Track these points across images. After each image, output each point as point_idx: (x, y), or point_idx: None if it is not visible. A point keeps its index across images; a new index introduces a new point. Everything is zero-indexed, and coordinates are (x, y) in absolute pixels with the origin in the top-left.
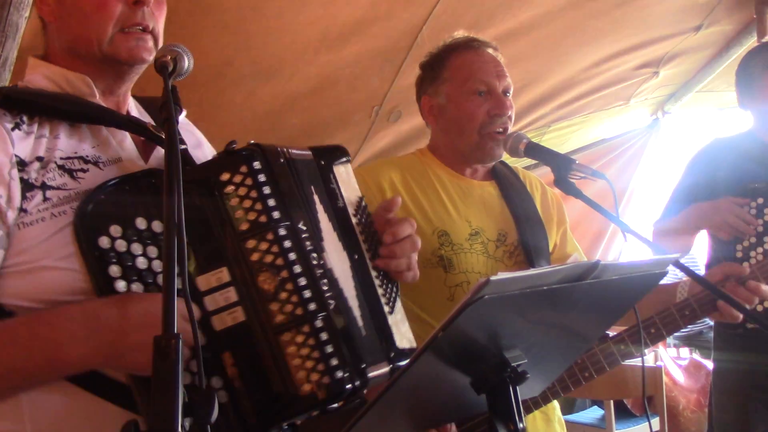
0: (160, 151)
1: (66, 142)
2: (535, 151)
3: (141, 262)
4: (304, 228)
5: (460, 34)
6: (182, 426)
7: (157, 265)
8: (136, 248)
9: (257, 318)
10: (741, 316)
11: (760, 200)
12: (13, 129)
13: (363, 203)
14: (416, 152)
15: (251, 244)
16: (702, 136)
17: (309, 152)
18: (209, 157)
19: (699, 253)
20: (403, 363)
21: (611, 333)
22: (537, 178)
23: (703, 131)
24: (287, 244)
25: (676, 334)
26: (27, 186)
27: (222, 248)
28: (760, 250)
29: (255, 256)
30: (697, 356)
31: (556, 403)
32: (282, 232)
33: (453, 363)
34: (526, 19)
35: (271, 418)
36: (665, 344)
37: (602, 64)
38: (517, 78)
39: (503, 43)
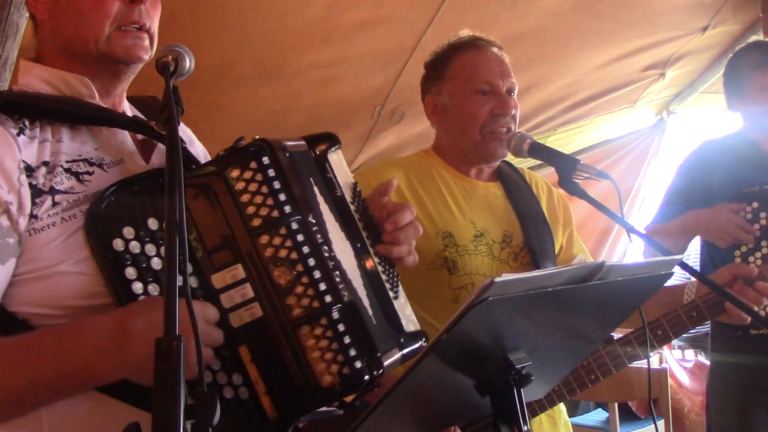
0: (160, 151)
1: (69, 145)
2: (539, 151)
3: (156, 263)
4: (314, 221)
5: (465, 33)
6: (184, 429)
7: None
8: (150, 249)
9: (274, 313)
10: (749, 318)
11: (755, 204)
12: (18, 134)
13: (357, 189)
14: (420, 153)
15: (264, 239)
16: (707, 137)
17: (303, 142)
18: (201, 155)
19: (691, 255)
20: (412, 347)
21: (616, 335)
22: (543, 179)
23: (708, 132)
24: (300, 237)
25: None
26: (36, 191)
27: (235, 245)
28: (758, 254)
29: (269, 252)
30: (702, 358)
31: (562, 407)
32: (294, 226)
33: (457, 365)
34: (531, 22)
35: (292, 412)
36: (670, 346)
37: (608, 66)
38: (522, 81)
39: (508, 46)
